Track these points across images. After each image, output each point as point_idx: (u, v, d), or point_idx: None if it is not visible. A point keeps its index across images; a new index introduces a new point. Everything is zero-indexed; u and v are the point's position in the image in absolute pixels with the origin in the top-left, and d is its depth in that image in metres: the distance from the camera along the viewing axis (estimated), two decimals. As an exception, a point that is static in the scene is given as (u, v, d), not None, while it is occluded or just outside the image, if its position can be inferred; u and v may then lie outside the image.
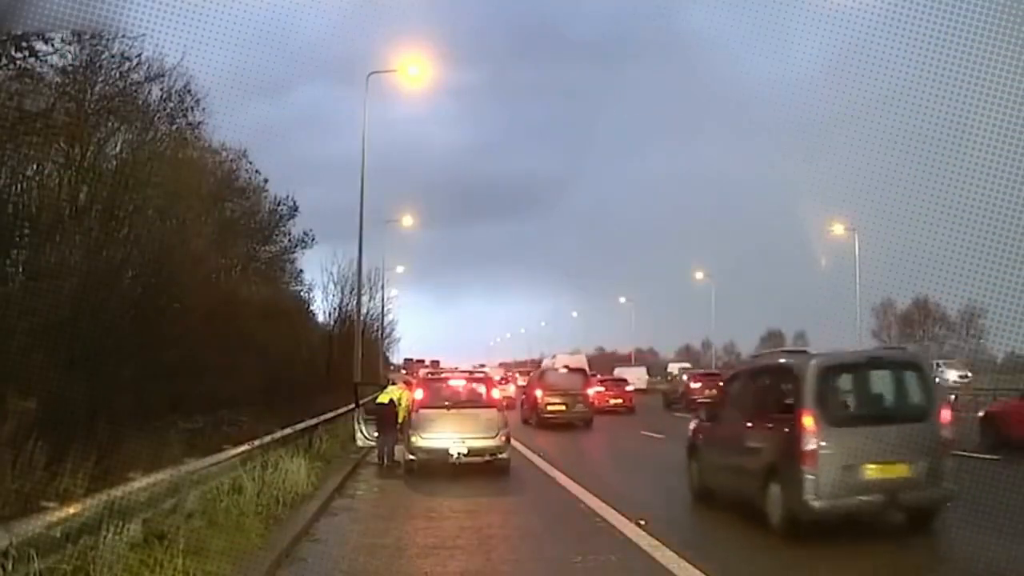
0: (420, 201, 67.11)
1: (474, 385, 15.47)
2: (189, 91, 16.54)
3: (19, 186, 11.34)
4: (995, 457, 13.42)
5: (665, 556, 7.43)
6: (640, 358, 75.12)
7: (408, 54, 23.22)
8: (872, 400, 8.87)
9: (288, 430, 13.75)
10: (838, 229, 40.14)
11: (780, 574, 7.51)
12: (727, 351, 76.47)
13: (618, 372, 48.63)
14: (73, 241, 11.58)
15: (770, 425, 9.00)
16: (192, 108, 17.02)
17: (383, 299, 46.54)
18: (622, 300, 76.27)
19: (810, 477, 7.99)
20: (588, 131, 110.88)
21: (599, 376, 38.29)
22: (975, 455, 12.76)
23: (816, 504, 7.96)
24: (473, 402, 14.70)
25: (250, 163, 25.01)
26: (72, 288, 10.48)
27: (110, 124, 14.07)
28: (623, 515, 9.45)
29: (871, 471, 8.06)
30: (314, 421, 16.55)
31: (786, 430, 8.49)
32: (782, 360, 10.18)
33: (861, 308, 47.20)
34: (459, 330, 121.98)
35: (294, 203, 28.83)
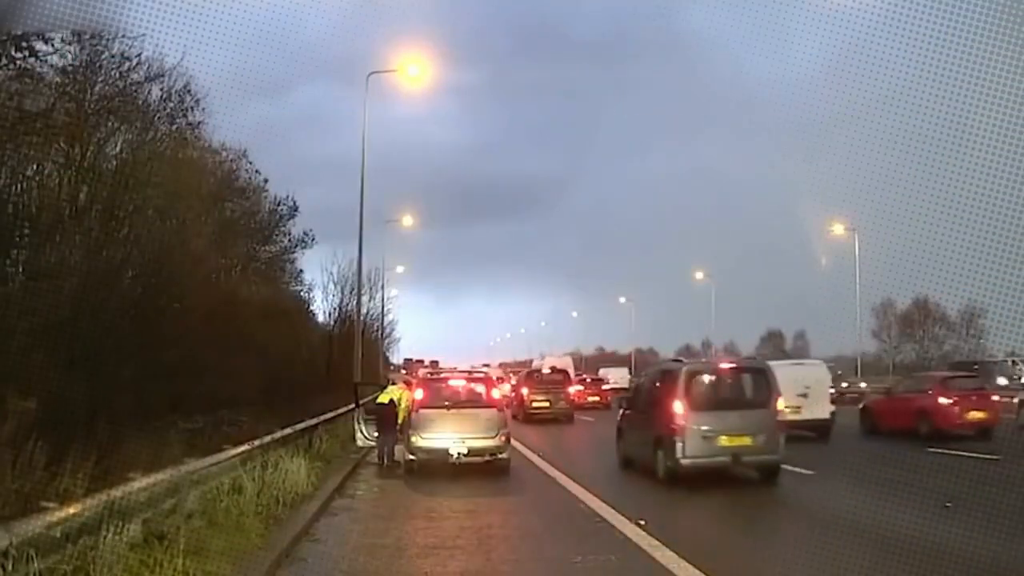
0: (420, 201, 67.24)
1: (474, 385, 15.46)
2: (189, 91, 16.57)
3: (19, 186, 11.34)
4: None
5: (665, 556, 7.43)
6: (640, 358, 75.05)
7: (408, 54, 23.26)
8: (725, 393, 12.96)
9: (288, 430, 13.75)
10: (838, 229, 40.22)
11: (658, 504, 11.08)
12: (727, 351, 76.34)
13: (602, 372, 49.54)
14: (73, 241, 11.58)
15: (658, 410, 13.01)
16: (192, 108, 17.04)
17: (383, 299, 46.60)
18: (622, 300, 76.41)
19: (680, 444, 11.98)
20: (588, 131, 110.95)
21: (584, 376, 42.59)
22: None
23: (684, 462, 11.98)
24: (473, 402, 14.69)
25: (250, 163, 25.05)
26: (72, 288, 10.48)
27: (110, 124, 14.07)
28: (623, 515, 9.45)
29: (723, 440, 12.01)
30: (314, 421, 16.55)
31: (667, 413, 12.44)
32: (665, 366, 14.76)
33: (861, 308, 47.35)
34: (459, 330, 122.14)
35: (294, 203, 28.88)
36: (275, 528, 8.84)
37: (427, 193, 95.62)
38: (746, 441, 12.08)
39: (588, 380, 40.23)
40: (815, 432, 18.48)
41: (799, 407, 18.15)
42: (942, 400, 18.54)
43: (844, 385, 33.59)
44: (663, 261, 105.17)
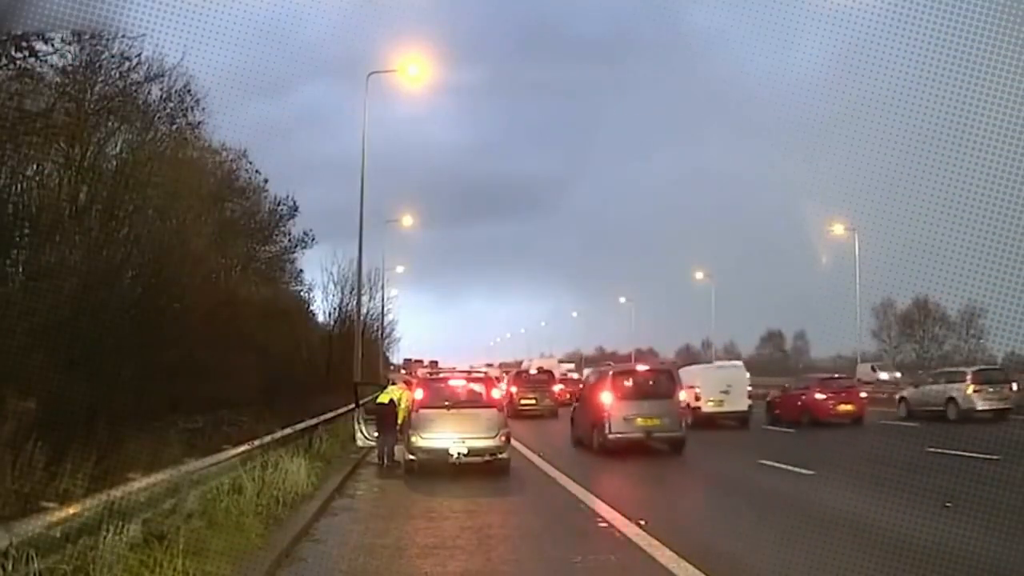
0: (420, 201, 67.27)
1: (474, 385, 15.45)
2: (189, 91, 16.58)
3: (19, 186, 11.34)
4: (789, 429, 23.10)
5: (665, 556, 7.43)
6: (640, 359, 75.12)
7: (408, 54, 23.25)
8: (641, 388, 17.69)
9: (288, 430, 13.74)
10: (838, 229, 40.23)
11: (591, 467, 15.61)
12: (727, 351, 76.40)
13: (586, 372, 49.89)
14: (73, 241, 11.58)
15: (594, 401, 17.92)
16: (192, 108, 17.07)
17: (383, 299, 46.62)
18: (622, 300, 76.43)
19: (607, 424, 16.86)
20: (588, 131, 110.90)
21: (566, 375, 47.46)
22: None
23: (611, 436, 16.80)
24: (473, 402, 14.68)
25: (250, 163, 25.07)
26: (72, 288, 10.48)
27: (110, 124, 14.08)
28: (623, 515, 9.46)
29: (639, 421, 16.83)
30: (314, 421, 16.55)
31: (599, 402, 17.42)
32: (600, 369, 22.29)
33: (861, 308, 47.36)
34: (460, 330, 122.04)
35: (294, 203, 28.89)
36: (275, 528, 8.83)
37: (427, 193, 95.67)
38: (655, 422, 16.92)
39: (567, 379, 43.17)
40: (736, 421, 23.61)
41: (722, 401, 23.60)
42: (818, 396, 23.86)
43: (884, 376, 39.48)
44: (663, 261, 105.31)
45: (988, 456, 13.54)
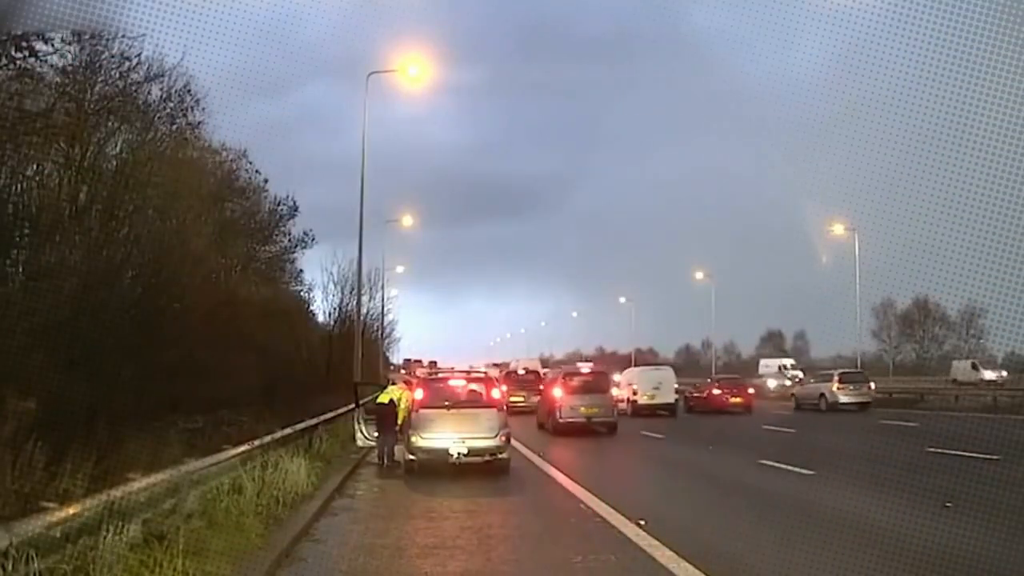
0: (421, 201, 67.36)
1: (474, 385, 15.45)
2: (189, 91, 16.57)
3: (19, 186, 11.34)
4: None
5: (665, 556, 7.43)
6: (640, 358, 75.20)
7: (408, 54, 23.26)
8: (585, 386, 23.66)
9: (288, 430, 13.74)
10: (838, 229, 40.24)
11: (544, 444, 19.94)
12: (727, 351, 76.52)
13: (631, 374, 50.62)
14: (73, 241, 11.58)
15: (549, 394, 24.30)
16: (192, 108, 17.06)
17: (383, 299, 46.64)
18: (622, 300, 76.48)
19: (558, 411, 22.98)
20: (589, 131, 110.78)
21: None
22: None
23: (560, 420, 22.81)
24: (473, 402, 14.68)
25: (250, 163, 25.09)
26: (72, 288, 10.48)
27: (110, 124, 14.07)
28: (623, 515, 9.46)
29: (582, 409, 22.90)
30: (314, 421, 16.54)
31: (553, 395, 23.77)
32: (555, 371, 29.42)
33: (861, 308, 47.38)
34: (460, 330, 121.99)
35: (294, 203, 28.90)
36: (275, 528, 8.83)
37: (427, 193, 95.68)
38: (594, 410, 23.04)
39: None
40: (667, 411, 30.20)
41: (654, 395, 30.34)
42: (715, 391, 32.65)
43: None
44: (664, 261, 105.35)
45: (788, 430, 23.37)
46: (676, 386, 31.65)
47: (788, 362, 55.74)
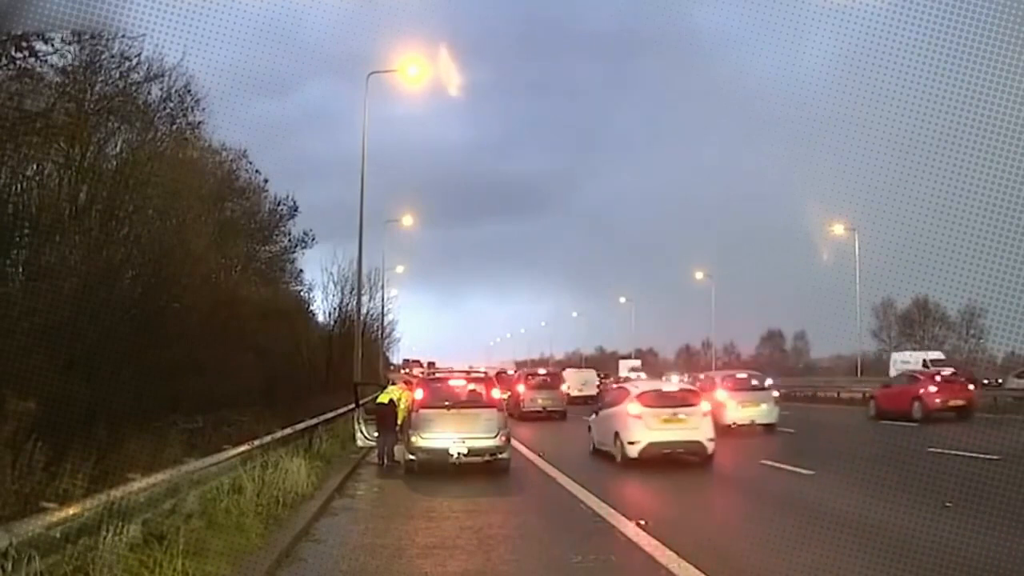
0: (422, 200, 67.41)
1: (474, 385, 15.44)
2: (189, 91, 16.55)
3: (19, 186, 11.35)
4: None
5: (665, 556, 7.42)
6: (640, 358, 75.32)
7: (408, 54, 23.22)
8: (541, 383, 31.52)
9: (288, 430, 13.74)
10: (838, 229, 40.22)
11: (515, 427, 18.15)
12: (727, 351, 76.44)
13: (567, 374, 50.61)
14: (73, 241, 11.59)
15: (515, 391, 29.75)
16: (192, 108, 17.04)
17: (383, 299, 46.67)
18: (622, 300, 76.57)
19: (523, 403, 29.59)
20: (591, 130, 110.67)
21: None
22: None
23: (524, 409, 29.05)
24: (473, 402, 14.66)
25: (250, 163, 25.09)
26: (72, 288, 10.49)
27: (110, 124, 14.07)
28: (623, 515, 9.46)
29: (540, 401, 30.44)
30: (314, 421, 16.55)
31: (517, 391, 30.02)
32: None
33: (861, 308, 47.29)
34: (460, 330, 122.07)
35: (294, 203, 28.92)
36: (275, 528, 8.83)
37: (428, 193, 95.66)
38: (549, 402, 29.69)
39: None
40: (590, 400, 32.16)
41: (583, 390, 37.58)
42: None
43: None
44: (664, 261, 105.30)
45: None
46: (597, 383, 40.28)
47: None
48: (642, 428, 14.47)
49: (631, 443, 14.41)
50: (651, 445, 14.22)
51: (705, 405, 15.14)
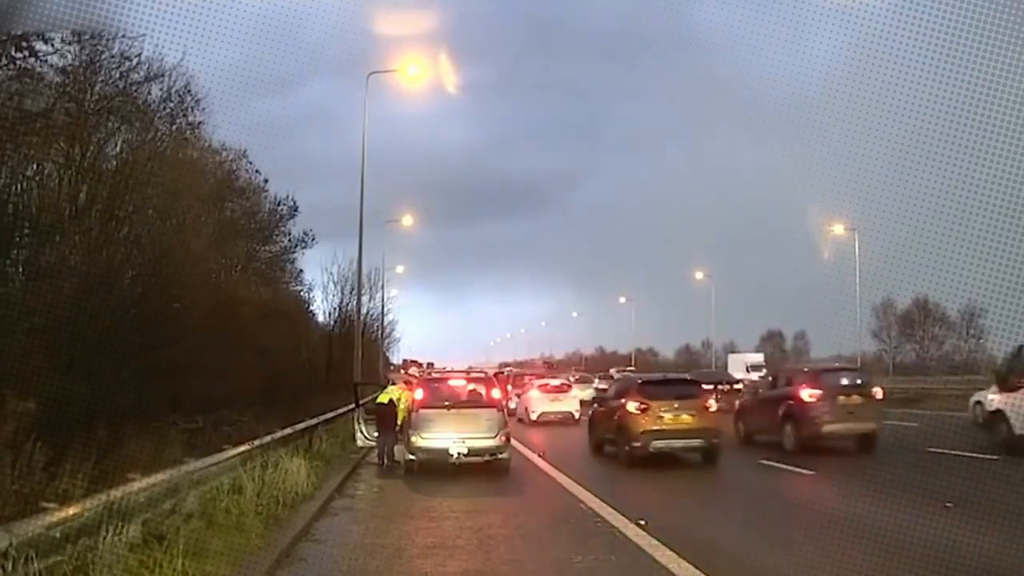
0: (422, 200, 66.89)
1: (474, 385, 15.45)
2: (189, 91, 16.50)
3: (19, 186, 11.34)
4: None
5: (665, 556, 7.42)
6: (640, 358, 75.31)
7: (409, 54, 23.26)
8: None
9: (288, 430, 13.75)
10: (838, 229, 40.17)
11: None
12: (727, 351, 76.40)
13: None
14: (73, 241, 11.58)
15: (503, 388, 21.80)
16: (192, 108, 16.98)
17: (383, 299, 46.66)
18: (622, 300, 76.54)
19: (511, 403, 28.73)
20: (592, 130, 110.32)
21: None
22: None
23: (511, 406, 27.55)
24: (473, 402, 14.67)
25: (250, 163, 25.01)
26: (72, 288, 10.48)
27: (110, 124, 14.04)
28: (623, 515, 9.45)
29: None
30: (314, 421, 16.56)
31: (505, 389, 23.33)
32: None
33: (861, 308, 47.28)
34: (461, 330, 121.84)
35: (294, 203, 28.81)
36: (275, 528, 8.83)
37: (428, 193, 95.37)
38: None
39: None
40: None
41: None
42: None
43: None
44: (665, 261, 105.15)
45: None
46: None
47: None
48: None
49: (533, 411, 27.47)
50: (543, 414, 27.60)
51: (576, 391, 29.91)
